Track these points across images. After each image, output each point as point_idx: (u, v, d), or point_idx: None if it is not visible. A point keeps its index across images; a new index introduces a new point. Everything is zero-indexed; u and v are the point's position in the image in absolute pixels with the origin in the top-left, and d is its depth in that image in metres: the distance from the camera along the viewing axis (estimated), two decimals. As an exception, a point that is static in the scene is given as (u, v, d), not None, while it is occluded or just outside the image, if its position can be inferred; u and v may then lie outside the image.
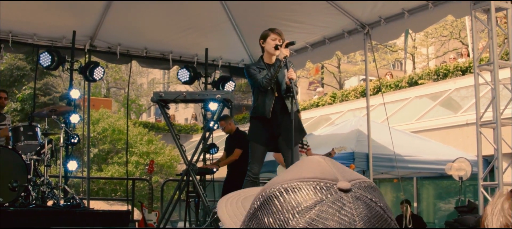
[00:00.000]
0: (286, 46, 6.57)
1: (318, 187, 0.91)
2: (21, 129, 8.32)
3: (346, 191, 0.91)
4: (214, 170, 9.90)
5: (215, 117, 8.45)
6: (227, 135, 10.38)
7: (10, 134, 8.35)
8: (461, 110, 15.39)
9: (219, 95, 7.61)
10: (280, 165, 9.11)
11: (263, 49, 6.87)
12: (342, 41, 10.56)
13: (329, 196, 0.90)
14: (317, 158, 0.98)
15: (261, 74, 6.68)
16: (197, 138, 23.74)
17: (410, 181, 16.30)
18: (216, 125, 9.24)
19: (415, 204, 16.45)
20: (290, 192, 0.91)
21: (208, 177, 10.52)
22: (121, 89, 40.35)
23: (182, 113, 44.39)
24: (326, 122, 19.95)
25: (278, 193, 0.92)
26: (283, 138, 6.81)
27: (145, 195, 17.81)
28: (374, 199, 0.93)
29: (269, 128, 6.82)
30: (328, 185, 0.92)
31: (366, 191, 0.94)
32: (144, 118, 42.65)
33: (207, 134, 8.94)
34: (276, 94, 6.74)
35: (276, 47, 6.63)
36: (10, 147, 7.98)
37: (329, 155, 9.59)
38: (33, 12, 9.93)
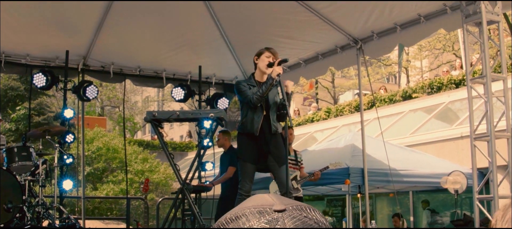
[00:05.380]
0: (279, 64, 6.60)
1: (256, 211, 1.12)
2: (15, 149, 8.29)
3: (280, 211, 1.11)
4: (210, 187, 9.87)
5: (209, 135, 8.43)
6: (221, 153, 10.37)
7: (4, 154, 8.32)
8: (455, 124, 15.40)
9: (212, 114, 7.58)
10: (272, 182, 9.09)
11: (255, 66, 6.91)
12: (335, 56, 10.56)
13: (266, 216, 1.10)
14: (261, 194, 1.18)
15: (251, 90, 6.71)
16: (192, 155, 23.67)
17: (406, 195, 16.27)
18: (210, 143, 9.23)
19: (411, 218, 16.42)
20: (235, 219, 1.13)
21: (203, 194, 10.50)
22: (116, 107, 40.25)
23: (177, 131, 44.32)
24: (321, 137, 19.94)
25: (224, 222, 1.14)
26: (273, 156, 6.83)
27: (141, 214, 17.74)
28: (309, 216, 1.12)
29: (258, 146, 6.85)
30: (265, 208, 1.12)
31: (301, 210, 1.13)
32: (139, 136, 42.53)
33: (202, 151, 8.92)
34: (265, 113, 6.78)
35: (270, 65, 6.67)
36: (4, 167, 7.96)
37: (326, 168, 9.60)
38: (25, 32, 9.90)
